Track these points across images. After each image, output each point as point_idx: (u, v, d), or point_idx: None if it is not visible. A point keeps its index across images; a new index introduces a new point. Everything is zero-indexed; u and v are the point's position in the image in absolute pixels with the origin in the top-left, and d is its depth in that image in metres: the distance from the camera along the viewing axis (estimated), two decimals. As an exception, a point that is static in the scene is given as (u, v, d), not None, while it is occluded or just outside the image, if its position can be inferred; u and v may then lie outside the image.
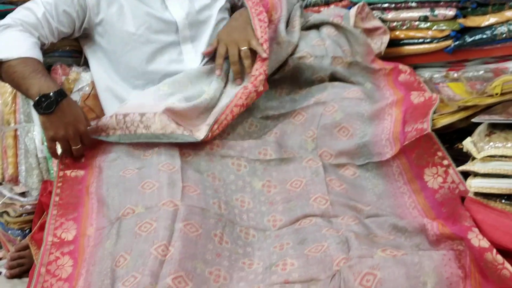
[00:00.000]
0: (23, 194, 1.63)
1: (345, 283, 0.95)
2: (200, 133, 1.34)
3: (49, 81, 1.34)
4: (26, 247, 1.48)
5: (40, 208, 1.50)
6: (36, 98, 1.30)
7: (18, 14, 1.45)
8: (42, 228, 1.42)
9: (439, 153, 1.19)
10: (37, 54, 1.39)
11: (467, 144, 1.04)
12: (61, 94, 1.31)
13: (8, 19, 1.44)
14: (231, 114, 1.38)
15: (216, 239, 1.11)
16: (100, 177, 1.31)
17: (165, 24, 1.51)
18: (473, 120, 1.08)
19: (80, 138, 1.33)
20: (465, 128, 1.29)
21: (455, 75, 1.65)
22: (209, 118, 1.38)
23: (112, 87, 1.53)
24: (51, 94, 1.30)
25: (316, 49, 1.57)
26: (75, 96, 1.54)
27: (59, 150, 1.35)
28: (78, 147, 1.33)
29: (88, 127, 1.36)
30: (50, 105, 1.30)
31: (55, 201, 1.29)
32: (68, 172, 1.34)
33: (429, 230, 1.03)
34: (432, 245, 1.02)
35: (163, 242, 1.04)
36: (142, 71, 1.49)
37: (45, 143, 1.51)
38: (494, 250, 0.90)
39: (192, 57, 1.53)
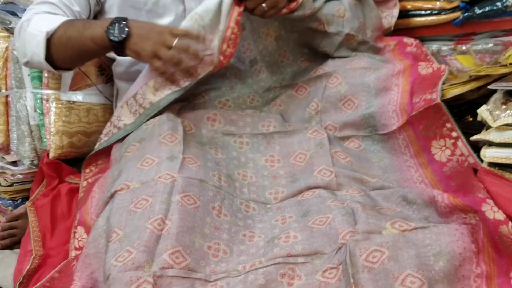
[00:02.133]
0: (14, 163, 1.59)
1: (350, 257, 0.90)
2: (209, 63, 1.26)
3: (103, 20, 1.29)
4: (18, 217, 1.45)
5: (40, 176, 1.47)
6: (106, 35, 1.21)
7: (39, 7, 1.35)
8: (45, 195, 1.41)
9: (448, 125, 1.14)
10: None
11: (483, 112, 0.99)
12: (122, 18, 1.22)
13: (29, 12, 1.33)
14: (236, 26, 1.25)
15: (215, 212, 1.06)
16: (106, 168, 1.29)
17: None
18: (489, 86, 1.03)
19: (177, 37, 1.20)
20: (475, 101, 1.25)
21: (463, 48, 1.60)
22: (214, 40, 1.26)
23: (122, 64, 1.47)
24: (113, 22, 1.21)
25: (334, 22, 1.49)
26: (69, 62, 1.48)
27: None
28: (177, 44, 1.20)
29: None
30: (121, 30, 1.21)
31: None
32: (90, 180, 1.34)
33: (440, 201, 0.98)
34: (442, 217, 0.98)
35: (159, 216, 0.99)
36: None
37: (38, 110, 1.47)
38: (510, 223, 0.86)
39: None
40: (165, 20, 1.42)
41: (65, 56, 1.30)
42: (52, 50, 1.28)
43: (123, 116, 1.33)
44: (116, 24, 1.21)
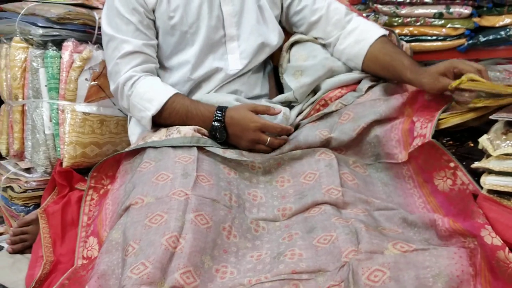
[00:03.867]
0: (28, 170, 1.62)
1: (353, 275, 0.94)
2: None
3: (204, 111, 1.39)
4: (29, 223, 1.48)
5: (52, 184, 1.50)
6: (210, 134, 1.38)
7: (127, 61, 1.45)
8: (56, 202, 1.43)
9: (445, 157, 1.17)
10: (173, 90, 1.44)
11: (483, 141, 1.03)
12: (220, 114, 1.37)
13: (128, 72, 1.44)
14: None
15: (225, 233, 1.10)
16: (118, 180, 1.32)
17: (215, 19, 1.49)
18: (491, 117, 1.07)
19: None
20: (476, 127, 1.28)
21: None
22: None
23: None
24: (214, 128, 1.36)
25: None
26: (86, 74, 1.53)
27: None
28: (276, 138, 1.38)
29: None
30: (221, 133, 1.36)
31: (84, 221, 1.33)
32: (98, 187, 1.39)
33: (440, 225, 1.02)
34: (442, 240, 1.01)
35: (174, 234, 1.03)
36: (190, 71, 1.48)
37: (53, 120, 1.51)
38: (507, 249, 0.90)
39: (236, 57, 1.52)
40: (199, 41, 1.48)
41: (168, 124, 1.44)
42: (157, 121, 1.44)
43: (155, 136, 1.38)
44: (218, 130, 1.37)
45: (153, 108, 1.40)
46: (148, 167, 1.25)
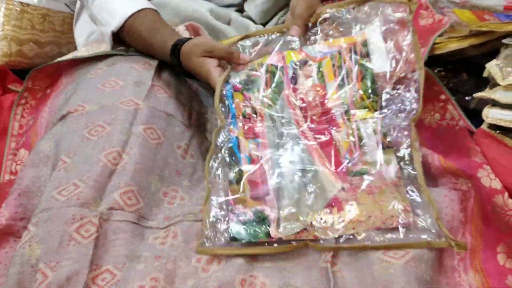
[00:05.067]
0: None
1: None
2: None
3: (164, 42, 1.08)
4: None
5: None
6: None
7: None
8: None
9: (435, 87, 1.03)
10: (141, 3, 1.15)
11: (492, 67, 0.88)
12: (173, 52, 1.05)
13: None
14: None
15: (180, 152, 0.96)
16: (60, 86, 1.14)
17: None
18: (504, 40, 0.93)
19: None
20: (473, 59, 1.14)
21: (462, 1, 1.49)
22: None
23: None
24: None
25: None
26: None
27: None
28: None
29: None
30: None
31: (15, 129, 1.16)
32: (36, 89, 1.20)
33: (430, 162, 0.89)
34: (431, 180, 0.88)
35: (116, 148, 0.87)
36: None
37: None
38: (506, 194, 0.77)
39: None
40: None
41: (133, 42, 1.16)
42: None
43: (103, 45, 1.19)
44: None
45: (114, 22, 1.14)
46: (98, 73, 1.06)
